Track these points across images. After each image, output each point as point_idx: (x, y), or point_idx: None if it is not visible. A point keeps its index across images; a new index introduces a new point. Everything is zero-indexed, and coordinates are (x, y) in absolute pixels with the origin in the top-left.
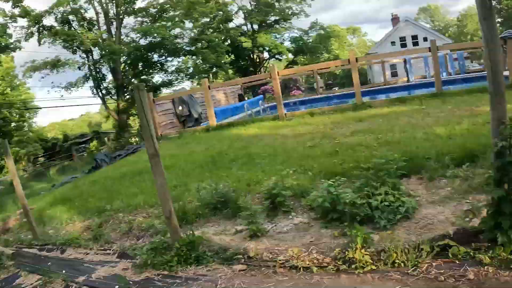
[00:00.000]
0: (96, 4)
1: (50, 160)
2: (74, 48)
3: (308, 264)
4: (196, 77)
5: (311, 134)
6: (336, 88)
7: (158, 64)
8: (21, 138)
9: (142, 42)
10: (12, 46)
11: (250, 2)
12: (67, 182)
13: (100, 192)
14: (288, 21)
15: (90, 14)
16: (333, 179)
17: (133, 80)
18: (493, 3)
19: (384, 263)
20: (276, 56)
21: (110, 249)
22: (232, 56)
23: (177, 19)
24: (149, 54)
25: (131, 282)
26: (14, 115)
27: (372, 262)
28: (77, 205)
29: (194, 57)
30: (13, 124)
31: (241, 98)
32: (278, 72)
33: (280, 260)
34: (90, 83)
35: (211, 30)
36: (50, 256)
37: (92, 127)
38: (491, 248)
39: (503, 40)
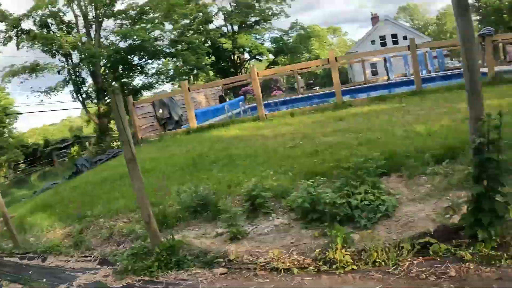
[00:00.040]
0: (75, 7)
1: (31, 166)
2: (53, 52)
3: (289, 265)
4: (177, 79)
5: (291, 135)
6: (317, 88)
7: (138, 67)
8: (1, 145)
9: (122, 44)
10: None
11: (230, 3)
12: (48, 188)
13: (81, 197)
14: (268, 21)
15: (69, 17)
16: (313, 179)
17: (113, 83)
18: (471, 1)
19: (365, 262)
20: (257, 57)
21: (91, 256)
22: (213, 58)
23: (156, 21)
24: (129, 57)
25: None
26: None
27: (352, 262)
28: (57, 212)
29: (174, 59)
30: None
31: (222, 99)
32: (258, 72)
33: (260, 263)
34: (70, 87)
35: (191, 32)
36: (31, 265)
37: (73, 132)
38: (472, 245)
39: (481, 37)
